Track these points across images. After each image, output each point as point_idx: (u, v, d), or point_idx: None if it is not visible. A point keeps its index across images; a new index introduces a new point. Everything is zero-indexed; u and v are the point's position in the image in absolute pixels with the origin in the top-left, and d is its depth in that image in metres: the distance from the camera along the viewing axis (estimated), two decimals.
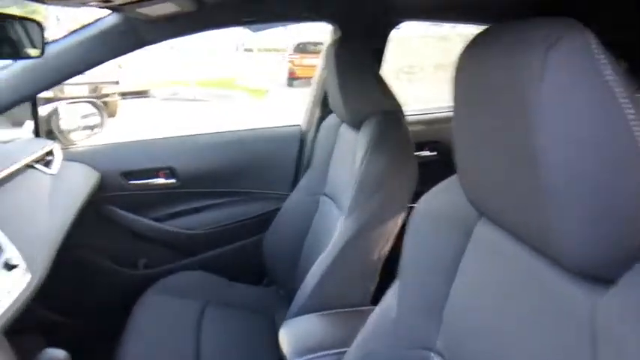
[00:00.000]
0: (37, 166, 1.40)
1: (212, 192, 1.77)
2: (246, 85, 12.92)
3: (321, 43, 1.78)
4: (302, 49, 13.66)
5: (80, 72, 1.41)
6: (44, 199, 1.28)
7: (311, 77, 1.90)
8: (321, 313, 1.10)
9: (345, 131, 1.40)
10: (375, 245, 1.14)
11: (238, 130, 1.83)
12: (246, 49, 26.25)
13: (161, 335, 1.39)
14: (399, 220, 1.14)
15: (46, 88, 1.43)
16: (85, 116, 1.82)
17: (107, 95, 7.91)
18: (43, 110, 1.67)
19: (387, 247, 1.14)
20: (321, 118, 1.68)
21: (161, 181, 1.70)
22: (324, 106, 1.71)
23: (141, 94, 10.75)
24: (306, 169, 1.68)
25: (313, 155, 1.63)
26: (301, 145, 1.81)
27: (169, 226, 1.72)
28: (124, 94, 8.90)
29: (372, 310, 1.08)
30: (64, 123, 1.70)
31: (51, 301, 1.66)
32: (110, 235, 1.70)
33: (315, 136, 1.68)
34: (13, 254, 0.99)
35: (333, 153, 1.46)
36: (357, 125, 1.25)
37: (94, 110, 1.84)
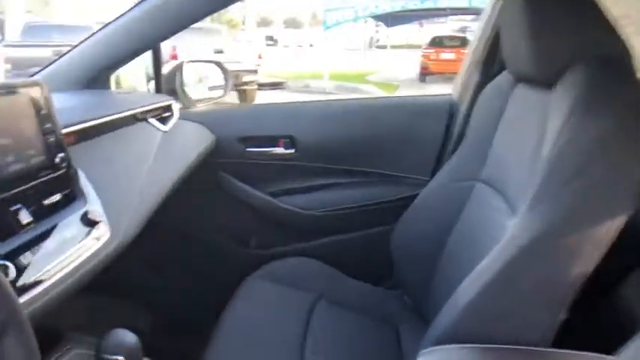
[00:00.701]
0: (151, 120, 1.27)
1: (335, 169, 1.50)
2: (377, 80, 12.67)
3: (458, 38, 1.37)
4: (438, 43, 12.95)
5: (200, 18, 1.24)
6: (150, 156, 1.13)
7: (446, 73, 1.52)
8: (475, 346, 0.75)
9: (525, 93, 1.00)
10: (572, 257, 0.74)
11: (372, 99, 1.54)
12: (378, 46, 26.09)
13: (261, 325, 1.17)
14: (617, 224, 0.73)
15: (168, 36, 1.29)
16: (209, 78, 1.69)
17: (246, 83, 8.30)
18: (167, 67, 1.56)
19: (591, 263, 0.74)
20: (481, 85, 1.30)
21: (279, 150, 1.48)
22: (486, 68, 1.33)
23: (276, 85, 11.16)
24: (454, 150, 1.32)
25: (467, 131, 1.26)
26: (450, 119, 1.44)
27: (284, 203, 1.49)
28: (261, 85, 9.28)
29: (557, 354, 0.74)
30: (187, 82, 1.57)
31: (148, 268, 1.56)
32: (221, 206, 1.53)
33: (471, 108, 1.30)
34: (96, 209, 0.82)
35: (499, 125, 1.08)
36: (550, 80, 0.86)
37: (220, 73, 1.70)
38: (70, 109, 0.99)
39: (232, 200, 1.51)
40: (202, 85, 1.64)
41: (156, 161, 1.13)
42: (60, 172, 0.80)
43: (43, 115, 0.78)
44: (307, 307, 1.28)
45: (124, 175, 1.00)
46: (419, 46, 14.75)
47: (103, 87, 1.31)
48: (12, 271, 0.61)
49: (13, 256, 0.64)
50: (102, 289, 1.40)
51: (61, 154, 0.80)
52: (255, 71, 8.44)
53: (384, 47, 23.63)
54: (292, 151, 1.49)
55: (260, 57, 8.57)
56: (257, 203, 1.51)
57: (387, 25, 18.16)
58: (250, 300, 1.28)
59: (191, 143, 1.37)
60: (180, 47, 6.32)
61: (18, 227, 0.68)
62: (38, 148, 0.76)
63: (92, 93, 1.22)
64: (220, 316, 1.20)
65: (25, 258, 0.66)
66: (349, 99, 1.59)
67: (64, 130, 0.88)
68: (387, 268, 1.41)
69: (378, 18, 15.92)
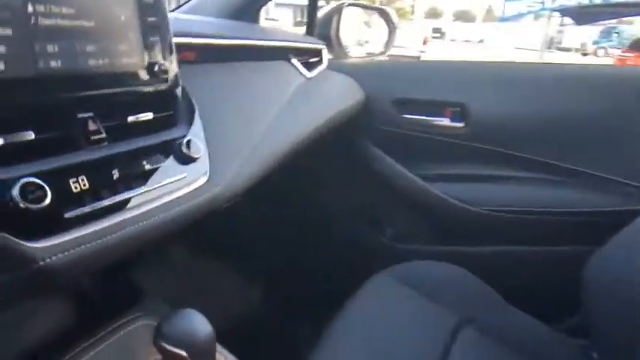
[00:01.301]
0: (294, 61, 1.05)
1: (518, 157, 1.11)
2: None
3: None
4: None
5: None
6: (283, 101, 0.90)
7: None
8: None
9: None
10: None
11: (592, 67, 1.10)
12: (560, 48, 23.10)
13: (387, 336, 0.91)
14: None
15: None
16: (370, 27, 1.42)
17: None
18: (323, 11, 1.33)
19: None
20: None
21: (444, 122, 1.15)
22: None
23: None
24: None
25: None
26: None
27: (441, 191, 1.16)
28: None
29: None
30: (344, 29, 1.32)
31: (264, 238, 1.36)
32: (357, 180, 1.26)
33: None
34: (198, 144, 0.60)
35: None
36: None
37: (384, 24, 1.42)
38: (199, 22, 0.80)
39: (372, 176, 1.23)
40: (360, 36, 1.38)
41: (289, 109, 0.90)
42: (159, 85, 0.60)
43: (147, 4, 0.58)
44: (449, 329, 0.95)
45: (246, 115, 0.79)
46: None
47: (249, 21, 1.13)
48: (47, 196, 0.41)
49: (61, 176, 0.45)
50: (212, 252, 1.29)
51: (165, 63, 0.60)
52: (418, 57, 8.05)
53: (567, 50, 20.87)
54: (461, 124, 1.14)
55: (425, 42, 8.12)
56: (404, 185, 1.20)
57: (577, 23, 15.88)
58: (377, 301, 1.00)
59: (336, 97, 1.12)
60: None
61: (82, 141, 0.49)
62: (134, 46, 0.57)
63: (235, 22, 1.04)
64: (339, 311, 0.95)
65: (79, 183, 0.46)
66: (556, 64, 1.17)
67: (179, 39, 0.69)
68: (571, 303, 1.00)
69: (566, 13, 14.00)
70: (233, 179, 0.66)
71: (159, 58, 0.60)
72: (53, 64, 0.48)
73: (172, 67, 0.62)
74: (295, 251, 1.39)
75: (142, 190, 0.52)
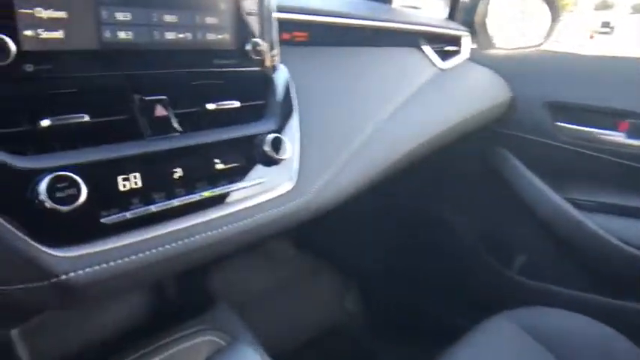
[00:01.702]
0: (426, 49, 0.88)
1: None
2: None
3: None
4: None
5: None
6: (406, 96, 0.75)
7: None
8: None
9: None
10: None
11: None
12: None
13: None
14: None
15: None
16: (525, 15, 1.18)
17: None
18: None
19: None
20: None
21: (617, 137, 0.89)
22: None
23: None
24: None
25: None
26: None
27: (599, 225, 0.91)
28: None
29: None
30: (493, 15, 1.11)
31: (373, 247, 1.22)
32: (489, 197, 1.06)
33: None
34: (288, 143, 0.49)
35: None
36: None
37: (542, 12, 1.16)
38: (317, 3, 0.69)
39: (507, 194, 1.01)
40: (512, 25, 1.15)
41: (411, 106, 0.75)
42: (251, 68, 0.50)
43: None
44: None
45: (356, 110, 0.66)
46: None
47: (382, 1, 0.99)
48: (80, 194, 0.34)
49: (106, 171, 0.37)
50: (302, 254, 1.19)
51: (261, 42, 0.50)
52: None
53: None
54: (638, 142, 0.87)
55: (592, 37, 7.08)
56: (548, 212, 0.97)
57: None
58: (494, 351, 0.81)
59: (474, 95, 0.93)
60: None
61: (145, 129, 0.41)
62: (224, 18, 0.47)
63: (363, 1, 0.91)
64: (448, 349, 0.79)
65: (129, 180, 0.38)
66: None
67: (290, 16, 0.58)
68: None
69: None
70: (326, 188, 0.54)
71: (255, 35, 0.50)
72: (122, 35, 0.40)
73: (270, 47, 0.51)
74: (399, 267, 1.23)
75: (206, 195, 0.42)
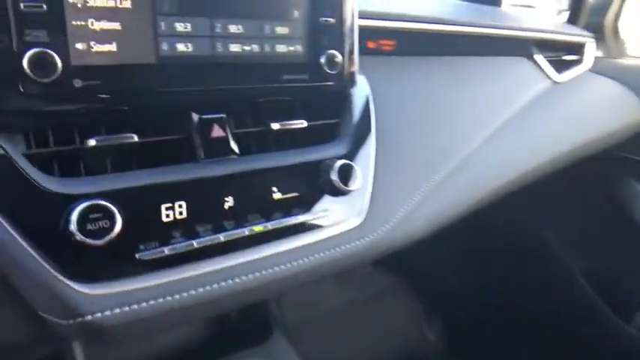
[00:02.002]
0: (539, 59, 0.76)
1: None
2: None
3: None
4: None
5: None
6: (509, 113, 0.65)
7: None
8: None
9: None
10: None
11: None
12: None
13: None
14: None
15: None
16: None
17: None
18: None
19: None
20: None
21: None
22: None
23: None
24: None
25: None
26: None
27: None
28: None
29: None
30: (628, 17, 0.94)
31: (449, 270, 1.10)
32: (608, 234, 0.89)
33: None
34: (359, 171, 0.43)
35: None
36: None
37: None
38: (408, 7, 0.61)
39: (632, 232, 0.84)
40: None
41: (517, 126, 0.64)
42: (325, 83, 0.44)
43: None
44: None
45: (449, 131, 0.57)
46: None
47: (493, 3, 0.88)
48: (115, 227, 0.30)
49: (147, 199, 0.33)
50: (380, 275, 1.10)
51: (335, 53, 0.43)
52: None
53: None
54: None
55: None
56: None
57: None
58: None
59: (597, 114, 0.78)
60: None
61: (198, 151, 0.37)
62: (296, 27, 0.42)
63: (467, 4, 0.81)
64: None
65: (174, 210, 0.34)
66: None
67: (366, 22, 0.51)
68: None
69: None
70: (400, 226, 0.46)
71: (331, 45, 0.44)
72: (180, 47, 0.36)
73: (348, 59, 0.45)
74: (490, 300, 1.10)
75: (257, 229, 0.37)
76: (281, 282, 0.39)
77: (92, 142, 0.33)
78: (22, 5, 0.29)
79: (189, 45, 0.37)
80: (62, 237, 0.29)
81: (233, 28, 0.38)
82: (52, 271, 0.29)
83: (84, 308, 0.30)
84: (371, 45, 0.57)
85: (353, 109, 0.47)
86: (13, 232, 0.29)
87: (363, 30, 0.50)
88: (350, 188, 0.42)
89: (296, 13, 0.42)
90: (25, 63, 0.29)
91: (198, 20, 0.37)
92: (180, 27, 0.36)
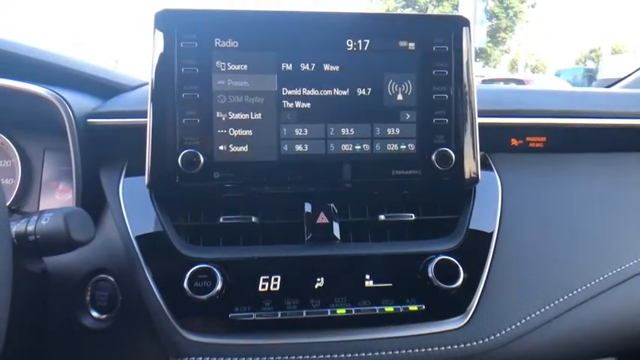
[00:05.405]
0: None
1: None
2: None
3: None
4: None
5: None
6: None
7: None
8: None
9: None
10: None
11: None
12: None
13: None
14: None
15: None
16: None
17: None
18: None
19: None
20: None
21: None
22: None
23: None
24: None
25: None
26: None
27: None
28: None
29: None
30: None
31: None
32: None
33: None
34: (458, 269, 0.41)
35: None
36: None
37: None
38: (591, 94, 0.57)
39: None
40: None
41: None
42: (435, 178, 0.44)
43: (438, 77, 0.45)
44: None
45: (593, 243, 0.48)
46: None
47: None
48: (215, 287, 0.37)
49: (250, 269, 0.40)
50: None
51: (448, 150, 0.44)
52: None
53: None
54: None
55: None
56: None
57: None
58: None
59: None
60: None
61: (302, 235, 0.42)
62: (408, 128, 0.45)
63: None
64: None
65: (270, 282, 0.39)
66: None
67: (489, 120, 0.50)
68: None
69: None
70: (524, 339, 0.40)
71: (443, 144, 0.45)
72: (298, 148, 0.44)
73: (465, 157, 0.45)
74: None
75: (339, 312, 0.39)
76: None
77: (220, 220, 0.42)
78: (184, 120, 0.42)
79: (306, 145, 0.44)
80: (179, 291, 0.38)
81: (345, 132, 0.44)
82: (170, 317, 0.38)
83: (185, 351, 0.37)
84: (515, 142, 0.55)
85: (472, 207, 0.46)
86: (152, 282, 0.39)
87: (506, 127, 0.50)
88: (449, 286, 0.40)
89: (408, 116, 0.45)
90: (179, 160, 0.41)
91: (314, 126, 0.44)
92: (298, 132, 0.44)
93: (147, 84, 0.55)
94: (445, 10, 12.71)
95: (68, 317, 0.42)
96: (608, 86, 0.84)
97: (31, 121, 0.55)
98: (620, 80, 0.81)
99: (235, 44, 0.43)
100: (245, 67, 0.43)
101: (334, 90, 0.44)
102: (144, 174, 0.42)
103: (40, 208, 0.54)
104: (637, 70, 0.79)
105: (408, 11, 13.45)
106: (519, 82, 5.54)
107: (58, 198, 0.57)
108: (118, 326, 0.42)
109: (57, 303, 0.42)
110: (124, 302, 0.42)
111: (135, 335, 0.41)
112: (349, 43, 0.44)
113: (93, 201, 0.45)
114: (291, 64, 0.44)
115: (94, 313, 0.43)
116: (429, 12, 13.13)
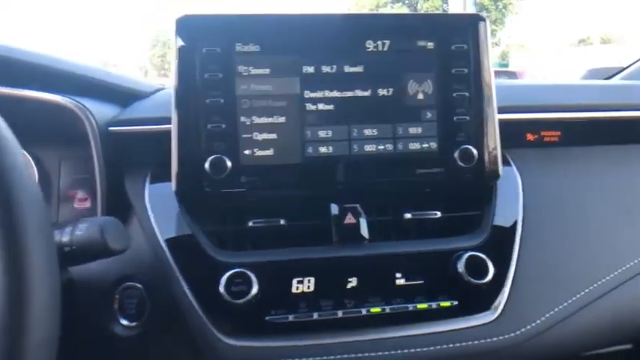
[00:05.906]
0: None
1: None
2: None
3: None
4: None
5: None
6: None
7: None
8: None
9: None
10: None
11: None
12: None
13: None
14: None
15: None
16: None
17: None
18: None
19: None
20: None
21: None
22: None
23: None
24: None
25: None
26: None
27: None
28: None
29: None
30: None
31: None
32: None
33: None
34: (487, 266, 0.42)
35: None
36: None
37: None
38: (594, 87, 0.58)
39: None
40: None
41: None
42: (458, 175, 0.45)
43: (456, 75, 0.45)
44: None
45: (619, 235, 0.49)
46: None
47: None
48: (251, 291, 0.38)
49: (282, 272, 0.40)
50: None
51: (470, 147, 0.45)
52: None
53: None
54: None
55: None
56: None
57: None
58: None
59: None
60: None
61: (331, 236, 0.42)
62: (429, 127, 0.45)
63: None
64: None
65: (303, 284, 0.40)
66: None
67: (509, 116, 0.51)
68: None
69: None
70: (552, 330, 0.41)
71: (465, 141, 0.45)
72: (322, 150, 0.44)
73: (487, 153, 0.45)
74: None
75: (374, 311, 0.40)
76: None
77: (249, 224, 0.42)
78: (209, 126, 0.42)
79: (330, 147, 0.44)
80: (216, 295, 0.38)
81: (368, 132, 0.45)
82: (208, 322, 0.38)
83: (224, 355, 0.37)
84: (530, 137, 0.55)
85: (495, 202, 0.46)
86: (186, 287, 0.39)
87: (521, 122, 0.50)
88: (480, 282, 0.40)
89: (429, 115, 0.46)
90: (206, 165, 0.41)
91: (337, 128, 0.44)
92: (322, 134, 0.44)
93: (163, 89, 0.56)
94: (435, 4, 12.76)
95: (98, 326, 0.42)
96: (607, 78, 0.85)
97: (47, 131, 0.54)
98: (619, 72, 0.82)
99: (257, 48, 0.43)
100: (267, 70, 0.43)
101: (356, 91, 0.44)
102: (168, 180, 0.43)
103: (60, 218, 0.54)
104: (637, 60, 0.80)
105: (398, 6, 13.48)
106: (511, 74, 5.56)
107: (76, 207, 0.57)
108: (148, 332, 0.42)
109: (86, 312, 0.42)
110: (152, 309, 0.42)
111: (166, 341, 0.42)
112: (369, 44, 0.45)
113: (117, 209, 0.45)
114: (312, 67, 0.44)
115: (124, 321, 0.43)
116: (418, 6, 13.16)
